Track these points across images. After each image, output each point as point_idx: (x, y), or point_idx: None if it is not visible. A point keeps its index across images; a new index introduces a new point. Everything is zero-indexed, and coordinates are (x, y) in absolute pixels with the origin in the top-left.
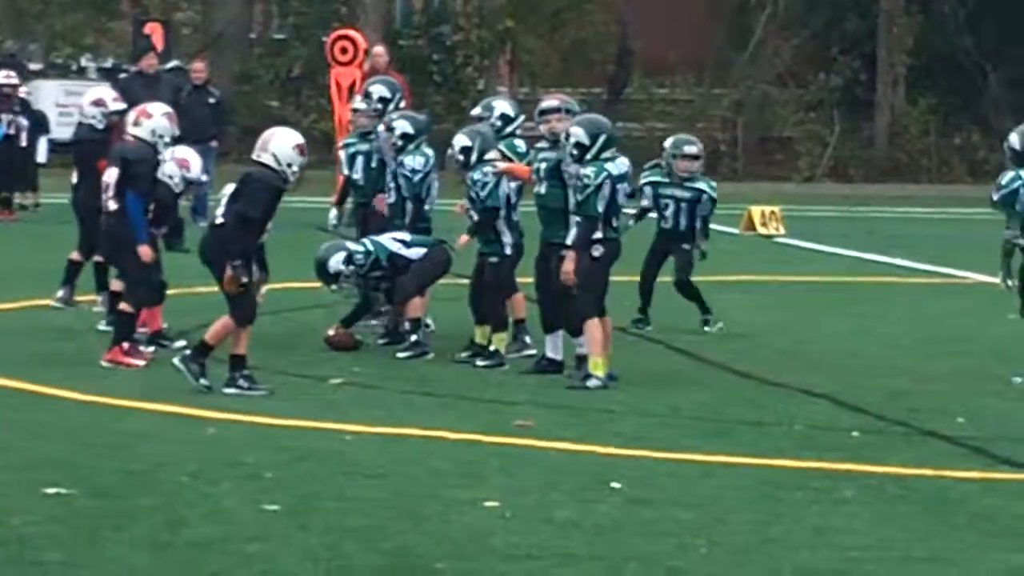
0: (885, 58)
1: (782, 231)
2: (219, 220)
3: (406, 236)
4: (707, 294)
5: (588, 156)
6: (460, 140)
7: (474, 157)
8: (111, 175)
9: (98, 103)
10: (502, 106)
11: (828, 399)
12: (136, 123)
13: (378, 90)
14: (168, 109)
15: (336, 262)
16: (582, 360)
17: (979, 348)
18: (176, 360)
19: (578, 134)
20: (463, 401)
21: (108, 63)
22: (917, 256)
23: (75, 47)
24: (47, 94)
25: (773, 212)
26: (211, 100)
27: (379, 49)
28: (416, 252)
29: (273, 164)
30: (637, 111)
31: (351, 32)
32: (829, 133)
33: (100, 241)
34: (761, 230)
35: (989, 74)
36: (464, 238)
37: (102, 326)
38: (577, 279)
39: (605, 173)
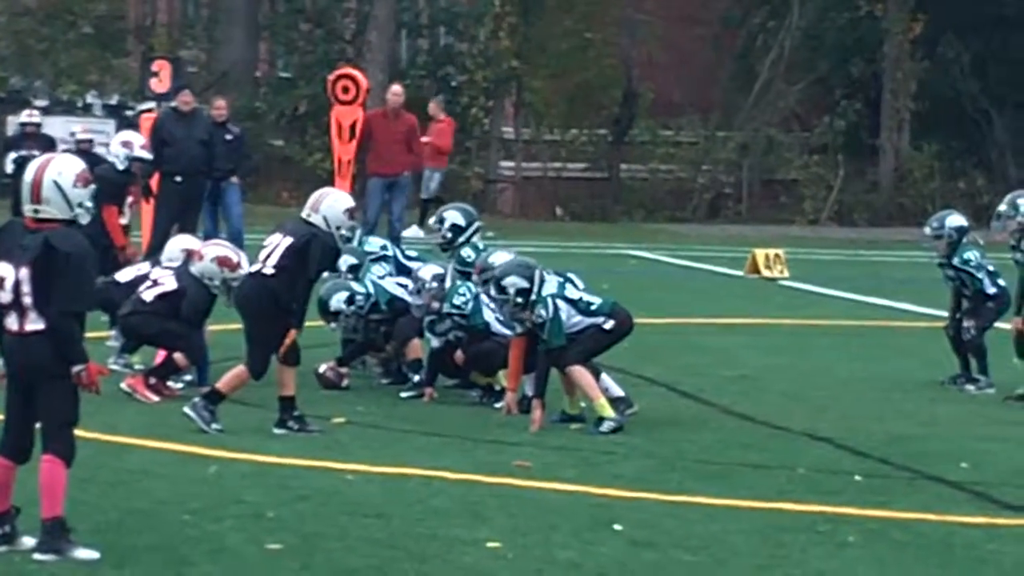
0: (890, 102)
1: (786, 274)
2: (269, 271)
3: (408, 281)
4: (711, 337)
5: (533, 297)
6: (453, 216)
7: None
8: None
9: (126, 144)
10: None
11: (831, 443)
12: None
13: (452, 216)
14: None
15: (337, 301)
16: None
17: (983, 393)
18: (187, 408)
19: (514, 282)
20: (465, 441)
21: (113, 100)
22: (921, 300)
23: (80, 84)
24: (51, 131)
25: (777, 255)
26: (228, 137)
27: (397, 88)
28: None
29: (322, 225)
30: (642, 153)
31: (353, 71)
32: (834, 177)
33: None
34: (765, 273)
35: (994, 119)
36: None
37: (112, 362)
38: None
39: (551, 304)
